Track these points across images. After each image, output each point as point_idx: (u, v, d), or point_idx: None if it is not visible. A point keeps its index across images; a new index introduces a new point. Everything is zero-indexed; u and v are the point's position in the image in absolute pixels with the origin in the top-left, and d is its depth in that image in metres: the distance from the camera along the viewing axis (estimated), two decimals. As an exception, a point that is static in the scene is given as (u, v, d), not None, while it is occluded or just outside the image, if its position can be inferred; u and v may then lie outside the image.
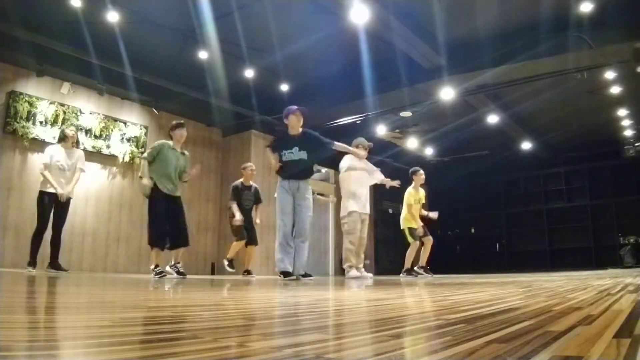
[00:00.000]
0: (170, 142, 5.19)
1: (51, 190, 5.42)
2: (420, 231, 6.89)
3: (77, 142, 5.86)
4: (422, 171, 7.14)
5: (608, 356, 0.61)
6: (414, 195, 7.00)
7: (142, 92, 8.00)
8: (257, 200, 6.71)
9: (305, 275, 4.82)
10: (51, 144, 6.83)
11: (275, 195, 4.94)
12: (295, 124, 4.92)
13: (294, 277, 4.66)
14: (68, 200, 5.59)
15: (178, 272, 5.08)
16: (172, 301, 1.88)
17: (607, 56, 6.38)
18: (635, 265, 10.33)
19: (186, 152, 5.36)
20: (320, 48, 7.14)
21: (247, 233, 6.47)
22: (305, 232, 4.85)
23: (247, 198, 6.58)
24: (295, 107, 4.97)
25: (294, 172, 4.82)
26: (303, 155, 4.83)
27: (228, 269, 6.52)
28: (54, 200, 5.45)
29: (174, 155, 5.14)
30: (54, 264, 5.51)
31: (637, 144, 4.07)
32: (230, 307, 1.60)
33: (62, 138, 5.66)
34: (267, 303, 1.78)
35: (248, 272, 6.53)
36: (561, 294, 1.85)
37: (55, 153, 5.57)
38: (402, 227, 7.02)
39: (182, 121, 5.46)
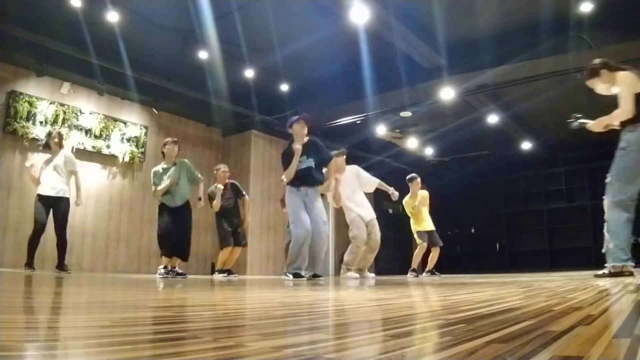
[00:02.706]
0: (162, 164, 5.50)
1: (43, 192, 5.44)
2: (424, 236, 7.28)
3: (61, 143, 5.81)
4: (418, 179, 7.44)
5: (608, 356, 0.61)
6: (410, 203, 7.34)
7: (142, 92, 8.01)
8: (239, 193, 6.61)
9: (316, 275, 4.72)
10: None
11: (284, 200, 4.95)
12: (300, 132, 4.86)
13: (304, 278, 4.54)
14: (63, 201, 5.57)
15: (178, 274, 5.13)
16: (172, 301, 1.88)
17: (607, 56, 6.36)
18: (636, 266, 10.32)
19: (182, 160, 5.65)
20: (320, 48, 7.14)
21: (233, 236, 6.40)
22: (322, 240, 4.75)
23: (226, 198, 6.50)
24: (296, 117, 4.94)
25: (303, 180, 4.80)
26: (310, 163, 4.81)
27: (223, 278, 6.41)
28: (47, 202, 5.45)
29: (165, 174, 5.46)
30: (60, 265, 5.54)
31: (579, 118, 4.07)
32: (230, 307, 1.60)
33: (47, 144, 5.72)
34: (267, 303, 1.78)
35: (229, 272, 6.41)
36: (561, 294, 1.85)
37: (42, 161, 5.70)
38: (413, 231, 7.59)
39: (175, 139, 5.67)
